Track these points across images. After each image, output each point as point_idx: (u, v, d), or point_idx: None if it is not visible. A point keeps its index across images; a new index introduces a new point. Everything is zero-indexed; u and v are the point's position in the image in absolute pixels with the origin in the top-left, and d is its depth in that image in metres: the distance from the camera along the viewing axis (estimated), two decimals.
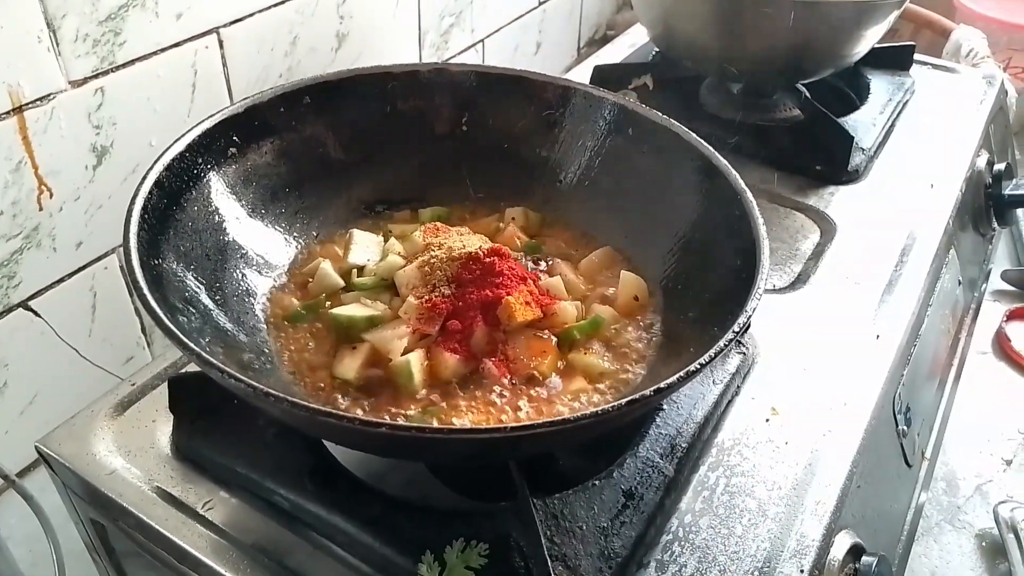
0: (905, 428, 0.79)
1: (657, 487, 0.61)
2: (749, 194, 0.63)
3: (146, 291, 0.49)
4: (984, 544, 0.96)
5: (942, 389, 0.99)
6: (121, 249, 0.88)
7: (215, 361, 0.45)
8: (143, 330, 0.97)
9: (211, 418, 0.63)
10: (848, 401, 0.71)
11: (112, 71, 0.82)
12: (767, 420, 0.69)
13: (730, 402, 0.70)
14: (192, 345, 0.46)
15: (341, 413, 0.45)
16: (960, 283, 1.02)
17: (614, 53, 1.28)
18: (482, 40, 1.39)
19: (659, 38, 1.12)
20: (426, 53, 1.26)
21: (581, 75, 1.17)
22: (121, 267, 0.91)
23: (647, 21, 1.11)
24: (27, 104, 0.76)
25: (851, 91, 1.20)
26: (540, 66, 1.57)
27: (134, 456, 0.63)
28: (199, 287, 0.59)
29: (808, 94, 1.08)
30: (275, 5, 0.96)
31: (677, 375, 0.47)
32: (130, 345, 0.97)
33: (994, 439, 1.08)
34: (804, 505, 0.62)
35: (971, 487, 1.00)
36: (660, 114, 0.72)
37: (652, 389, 0.46)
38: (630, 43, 1.31)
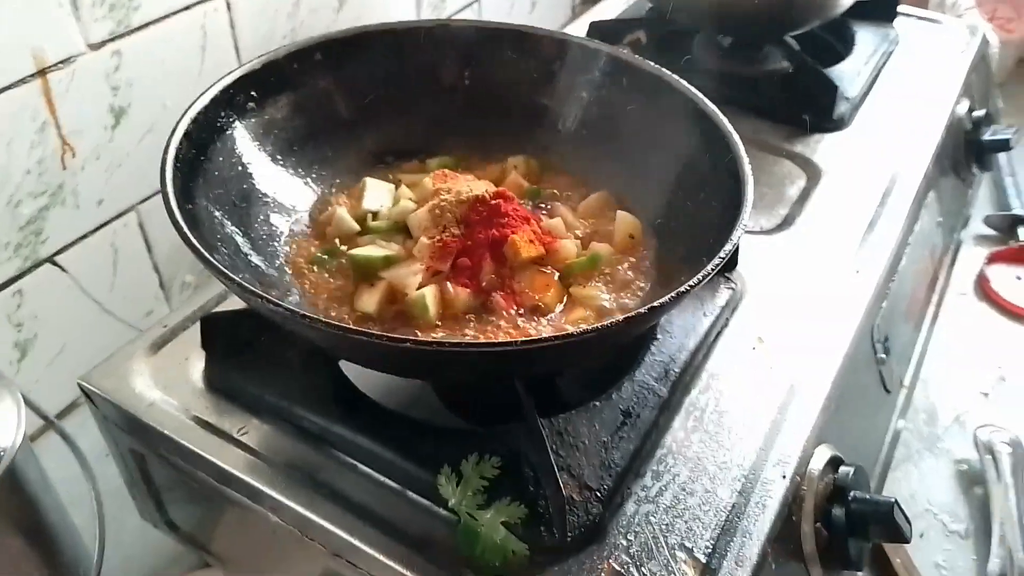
0: (884, 356, 0.84)
1: (652, 407, 0.66)
2: (735, 135, 0.67)
3: (186, 230, 0.54)
4: (962, 469, 1.01)
5: (921, 324, 1.05)
6: (140, 207, 0.94)
7: (256, 290, 0.50)
8: (161, 284, 1.02)
9: (240, 353, 0.68)
10: (829, 330, 0.77)
11: (128, 34, 0.85)
12: (753, 348, 0.75)
13: (719, 333, 0.75)
14: (233, 276, 0.51)
15: (372, 332, 0.50)
16: (939, 224, 1.07)
17: (609, 9, 1.32)
18: None
19: None
20: (424, 12, 1.29)
21: (576, 31, 1.21)
22: (140, 224, 0.95)
23: None
24: (50, 67, 0.79)
25: (837, 43, 1.24)
26: (536, 22, 1.59)
27: (171, 389, 0.69)
28: (230, 229, 0.64)
29: (796, 46, 1.12)
30: None
31: (669, 295, 0.52)
32: (149, 299, 1.01)
33: (974, 374, 1.14)
34: (787, 421, 0.68)
35: (950, 418, 1.05)
36: (652, 64, 0.76)
37: (647, 307, 0.51)
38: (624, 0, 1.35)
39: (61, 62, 0.80)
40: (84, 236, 0.89)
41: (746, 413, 0.68)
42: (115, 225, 0.92)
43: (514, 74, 0.81)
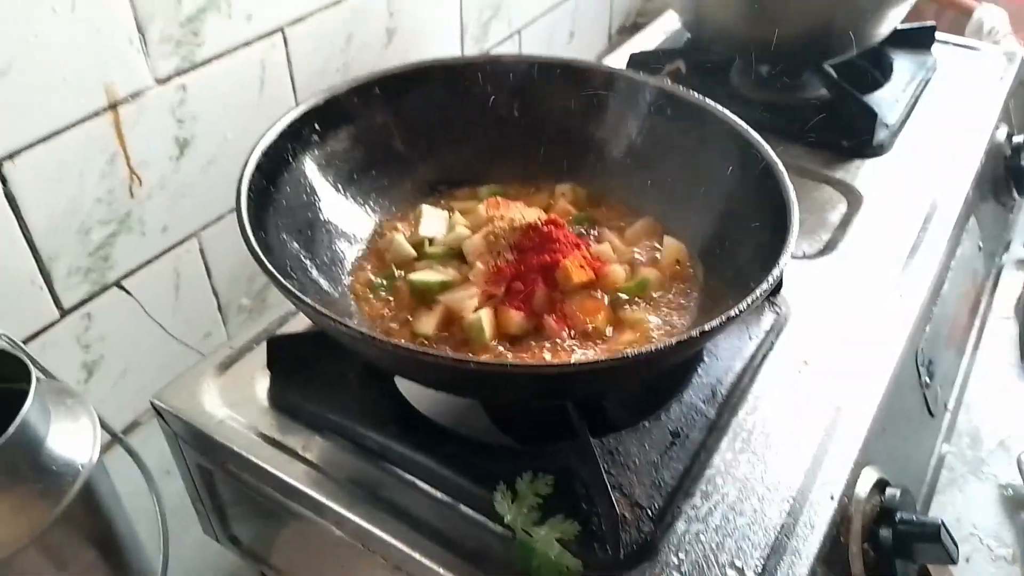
0: (928, 380, 0.85)
1: (700, 428, 0.68)
2: (779, 163, 0.69)
3: (263, 257, 0.57)
4: (1007, 494, 1.01)
5: (964, 348, 1.05)
6: (201, 233, 0.98)
7: (329, 314, 0.53)
8: (219, 307, 1.06)
9: (303, 373, 0.72)
10: (873, 354, 0.78)
11: (192, 69, 0.89)
12: (799, 371, 0.76)
13: (765, 356, 0.77)
14: (307, 300, 0.54)
15: (440, 352, 0.53)
16: (980, 249, 1.07)
17: (647, 40, 1.35)
18: (518, 31, 1.45)
19: (690, 23, 1.19)
20: (467, 44, 1.34)
21: (615, 61, 1.24)
22: (201, 250, 0.99)
23: (679, 7, 1.18)
24: (120, 101, 0.84)
25: (875, 70, 1.26)
26: (574, 53, 1.63)
27: (238, 407, 0.72)
28: (299, 255, 0.67)
29: (834, 74, 1.14)
30: (333, 4, 1.03)
31: (719, 319, 0.54)
32: (207, 321, 1.05)
33: (1017, 398, 1.13)
34: (833, 442, 0.69)
35: (994, 442, 1.05)
36: (696, 94, 0.79)
37: (699, 330, 0.54)
38: (662, 30, 1.37)
39: (131, 96, 0.85)
40: (149, 261, 0.94)
41: (793, 435, 0.70)
42: (178, 251, 0.97)
43: (562, 105, 0.85)
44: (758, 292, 0.56)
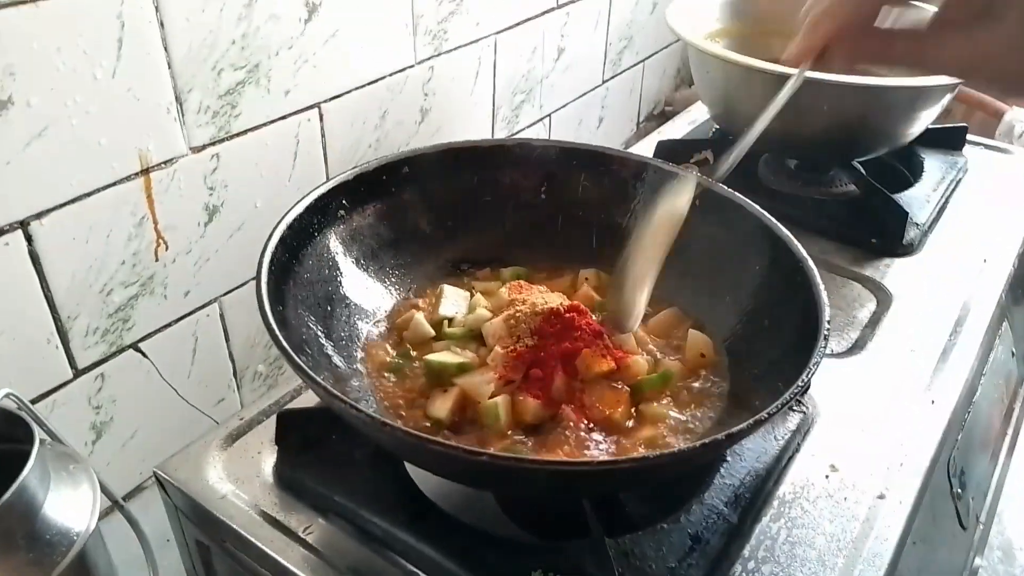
0: (960, 491, 0.81)
1: (722, 533, 0.65)
2: (810, 261, 0.68)
3: (278, 332, 0.56)
4: None
5: (996, 457, 1.01)
6: (223, 299, 0.98)
7: (339, 394, 0.52)
8: (234, 374, 1.05)
9: (312, 451, 0.70)
10: (904, 462, 0.75)
11: (227, 139, 0.91)
12: (826, 476, 0.73)
13: (791, 458, 0.74)
14: (318, 379, 0.53)
15: (449, 443, 0.51)
16: (1014, 354, 1.04)
17: (675, 129, 1.36)
18: (549, 115, 1.48)
19: (719, 116, 1.20)
20: (498, 126, 1.36)
21: (643, 149, 1.25)
22: (221, 315, 0.99)
23: (708, 100, 1.19)
24: (153, 167, 0.85)
25: (905, 169, 1.26)
26: (601, 139, 1.66)
27: (241, 483, 0.70)
28: (315, 330, 0.66)
29: (863, 171, 1.14)
30: (370, 83, 1.06)
31: (747, 422, 0.52)
32: (222, 388, 1.04)
33: None
34: (862, 557, 0.66)
35: None
36: (725, 187, 0.78)
37: (725, 433, 0.51)
38: (690, 120, 1.39)
39: (164, 162, 0.86)
40: (168, 324, 0.93)
41: (820, 545, 0.66)
42: (198, 315, 0.96)
43: (589, 191, 0.84)
44: (787, 396, 0.54)
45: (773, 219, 0.74)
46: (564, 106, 1.51)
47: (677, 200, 0.72)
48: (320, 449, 0.70)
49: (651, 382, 0.70)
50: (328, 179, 0.77)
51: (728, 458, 0.70)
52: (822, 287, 0.65)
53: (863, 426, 0.78)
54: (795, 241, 0.71)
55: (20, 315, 0.78)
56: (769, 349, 0.69)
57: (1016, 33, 0.47)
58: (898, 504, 0.71)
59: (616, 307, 0.73)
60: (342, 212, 0.76)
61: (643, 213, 0.80)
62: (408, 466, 0.68)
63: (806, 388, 0.74)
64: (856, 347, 0.89)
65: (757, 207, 0.76)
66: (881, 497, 0.71)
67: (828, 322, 0.62)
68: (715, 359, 0.75)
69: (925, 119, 1.08)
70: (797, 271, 0.68)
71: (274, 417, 0.72)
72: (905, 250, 1.05)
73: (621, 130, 1.75)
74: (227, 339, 1.01)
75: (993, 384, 0.95)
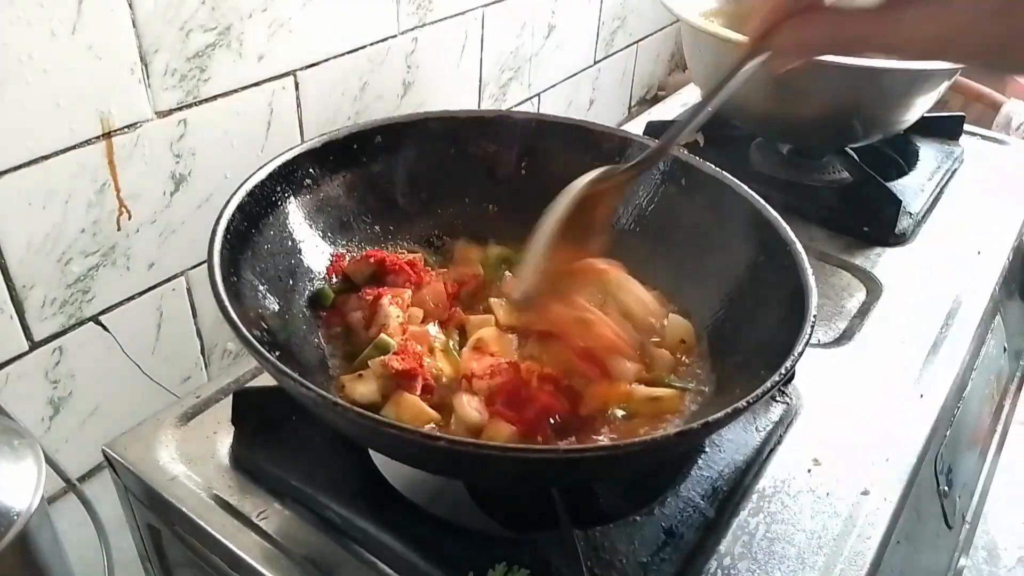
0: (947, 489, 0.79)
1: (697, 527, 0.62)
2: (799, 244, 0.65)
3: (227, 304, 0.52)
4: None
5: (984, 455, 0.99)
6: (189, 273, 0.94)
7: (287, 370, 0.48)
8: (202, 351, 1.01)
9: (270, 432, 0.66)
10: (890, 457, 0.72)
11: (195, 105, 0.87)
12: (808, 471, 0.70)
13: (772, 450, 0.71)
14: (267, 354, 0.49)
15: (403, 426, 0.47)
16: (1005, 350, 1.02)
17: (666, 111, 1.32)
18: (538, 94, 1.44)
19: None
20: (485, 104, 1.32)
21: (633, 129, 1.21)
22: (188, 289, 0.95)
23: (700, 80, 1.15)
24: (116, 131, 0.81)
25: (900, 157, 1.23)
26: (592, 120, 1.62)
27: (195, 464, 0.66)
28: (272, 304, 0.63)
29: (857, 158, 1.11)
30: (349, 52, 1.01)
31: (724, 411, 0.49)
32: (189, 365, 1.00)
33: None
34: (843, 556, 0.63)
35: (1013, 558, 0.98)
36: (713, 166, 0.75)
37: (700, 423, 0.48)
38: (681, 102, 1.35)
39: (127, 127, 0.82)
40: (131, 297, 0.90)
41: (799, 542, 0.63)
42: (163, 289, 0.92)
43: (571, 168, 0.80)
44: (768, 384, 0.51)
45: (761, 200, 0.71)
46: (554, 86, 1.47)
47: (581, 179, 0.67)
48: (279, 430, 0.66)
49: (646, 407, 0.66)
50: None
51: (707, 449, 0.67)
52: (810, 270, 0.62)
53: (848, 419, 0.76)
54: (783, 222, 0.68)
55: None
56: (753, 335, 0.66)
57: (968, 8, 0.43)
58: (883, 501, 0.68)
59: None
60: (308, 181, 0.72)
61: (657, 220, 0.77)
62: (372, 452, 0.65)
63: (790, 376, 0.71)
64: (844, 337, 0.86)
65: (745, 187, 0.72)
66: (865, 493, 0.69)
67: (815, 307, 0.58)
68: (696, 345, 0.71)
69: (921, 106, 1.05)
70: (784, 254, 0.65)
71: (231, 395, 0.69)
72: (897, 239, 1.02)
73: (613, 113, 1.71)
74: (194, 315, 0.98)
75: (984, 379, 0.93)
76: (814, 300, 0.59)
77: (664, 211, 0.78)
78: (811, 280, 0.61)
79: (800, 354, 0.55)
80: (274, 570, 0.59)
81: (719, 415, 0.48)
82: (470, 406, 0.62)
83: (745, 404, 0.49)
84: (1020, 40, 0.43)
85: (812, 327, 0.57)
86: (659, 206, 0.78)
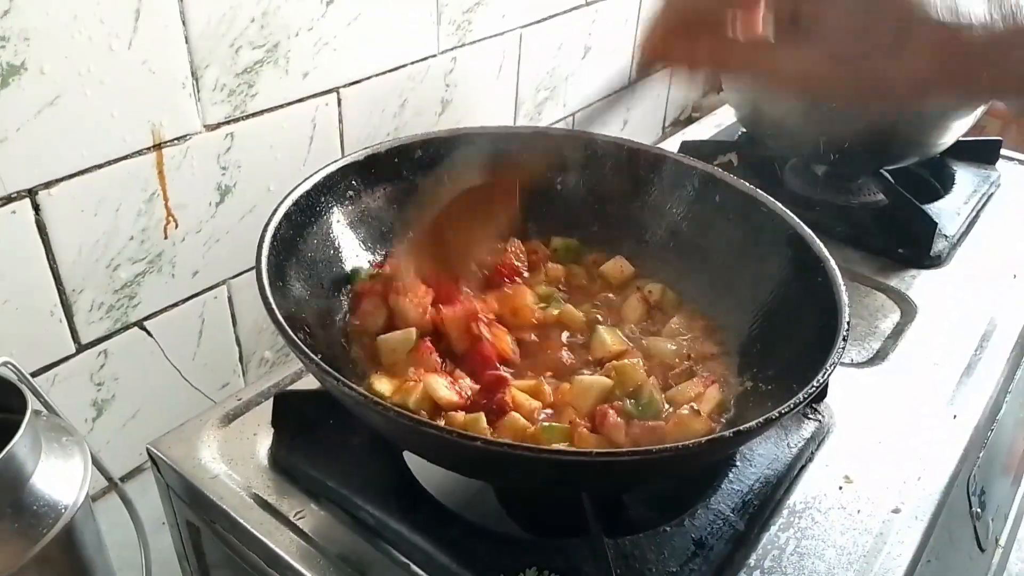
0: (979, 511, 0.78)
1: (727, 540, 0.62)
2: (832, 262, 0.66)
3: (274, 305, 0.54)
4: None
5: (1020, 479, 0.97)
6: (231, 281, 0.97)
7: (330, 369, 0.50)
8: (240, 358, 1.03)
9: (308, 434, 0.68)
10: (922, 476, 0.72)
11: (243, 119, 0.89)
12: (840, 488, 0.70)
13: (803, 467, 0.71)
14: (311, 355, 0.51)
15: (442, 426, 0.49)
16: None
17: (700, 131, 1.33)
18: (572, 114, 1.46)
19: (746, 119, 1.17)
20: (520, 122, 1.34)
21: (668, 148, 1.22)
22: (229, 297, 0.98)
23: (735, 102, 1.16)
24: (166, 142, 0.83)
25: (935, 180, 1.22)
26: None
27: (235, 464, 0.68)
28: (316, 309, 0.65)
29: (892, 180, 1.11)
30: (390, 70, 1.04)
31: (756, 421, 0.50)
32: (227, 372, 1.02)
33: None
34: (873, 572, 0.63)
35: None
36: (747, 183, 0.75)
37: (731, 431, 0.49)
38: (716, 123, 1.36)
39: (177, 139, 0.84)
40: (175, 304, 0.92)
41: (829, 557, 0.63)
42: (206, 296, 0.95)
43: (607, 183, 0.82)
44: (800, 396, 0.51)
45: (795, 217, 0.71)
46: (589, 105, 1.49)
47: None
48: (317, 433, 0.68)
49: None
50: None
51: (737, 463, 0.67)
52: (843, 287, 0.62)
53: (880, 438, 0.75)
54: (817, 241, 0.68)
55: (25, 285, 0.77)
56: (786, 350, 0.66)
57: (829, 47, 0.44)
58: (914, 520, 0.68)
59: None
60: (351, 192, 0.74)
61: (660, 206, 0.77)
62: (406, 455, 0.66)
63: (821, 392, 0.72)
64: (877, 357, 0.86)
65: (779, 204, 0.73)
66: (896, 511, 0.68)
67: (848, 322, 0.59)
68: (729, 358, 0.72)
69: (956, 129, 1.05)
70: (818, 270, 0.65)
71: (272, 399, 0.71)
72: (932, 262, 1.02)
73: (647, 134, 1.72)
74: (234, 323, 1.00)
75: (1019, 403, 0.92)
76: (846, 315, 0.60)
77: (698, 227, 0.79)
78: (844, 296, 0.61)
79: (832, 368, 0.55)
80: (309, 568, 0.60)
81: (751, 424, 0.49)
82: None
83: (777, 415, 0.50)
84: (881, 82, 0.44)
85: (845, 341, 0.58)
86: (693, 223, 0.79)
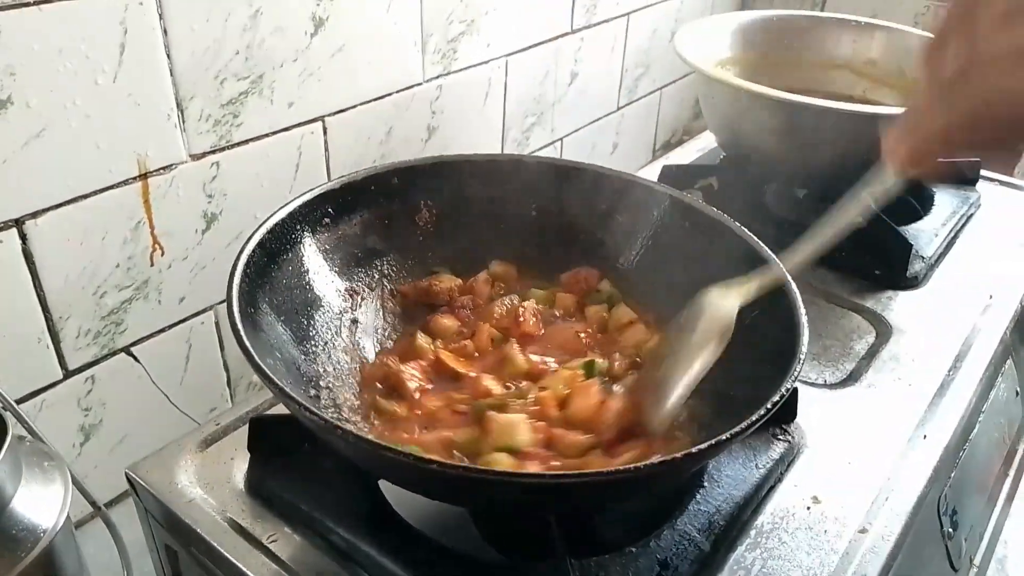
0: (951, 531, 0.79)
1: (692, 560, 0.63)
2: (792, 282, 0.67)
3: (243, 334, 0.56)
4: None
5: (995, 500, 0.98)
6: (218, 307, 0.98)
7: (293, 395, 0.52)
8: (228, 383, 1.04)
9: (283, 459, 0.69)
10: (891, 496, 0.73)
11: (228, 148, 0.91)
12: (808, 508, 0.71)
13: (772, 487, 0.72)
14: (277, 381, 0.53)
15: (401, 450, 0.50)
16: (1018, 394, 1.01)
17: (683, 155, 1.35)
18: (561, 139, 1.47)
19: (726, 142, 1.19)
20: (508, 148, 1.35)
21: (650, 174, 1.24)
22: (216, 323, 0.99)
23: (714, 126, 1.18)
24: (152, 172, 0.85)
25: (915, 201, 1.23)
26: (616, 165, 1.64)
27: (211, 488, 0.69)
28: (287, 337, 0.66)
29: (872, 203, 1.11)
30: (376, 99, 1.05)
31: (709, 443, 0.51)
32: (215, 397, 1.03)
33: None
34: None
35: None
36: (714, 209, 0.77)
37: (682, 453, 0.50)
38: (699, 147, 1.38)
39: (163, 168, 0.86)
40: (162, 330, 0.93)
41: None
42: (193, 322, 0.96)
43: (581, 210, 0.84)
44: (754, 417, 0.52)
45: (758, 240, 0.73)
46: (577, 130, 1.50)
47: (724, 303, 0.66)
48: (292, 458, 0.69)
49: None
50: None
51: (705, 484, 0.68)
52: (802, 309, 0.64)
53: (850, 459, 0.76)
54: (778, 262, 0.69)
55: (11, 312, 0.79)
56: (755, 372, 0.67)
57: None
58: (880, 539, 0.68)
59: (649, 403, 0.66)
60: (327, 220, 0.76)
61: (632, 231, 0.79)
62: (381, 481, 0.68)
63: (787, 413, 0.73)
64: (850, 379, 0.87)
65: (743, 228, 0.75)
66: (863, 531, 0.69)
67: (806, 343, 0.60)
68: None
69: None
70: (780, 292, 0.66)
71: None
72: (909, 283, 1.03)
73: (636, 157, 1.74)
74: (222, 348, 1.01)
75: (994, 423, 0.93)
76: (805, 338, 0.61)
77: (667, 251, 0.80)
78: (803, 318, 0.63)
79: (787, 391, 0.56)
80: None
81: (703, 446, 0.50)
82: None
83: (728, 437, 0.51)
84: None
85: (800, 364, 0.59)
86: (662, 247, 0.81)
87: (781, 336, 0.63)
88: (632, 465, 0.49)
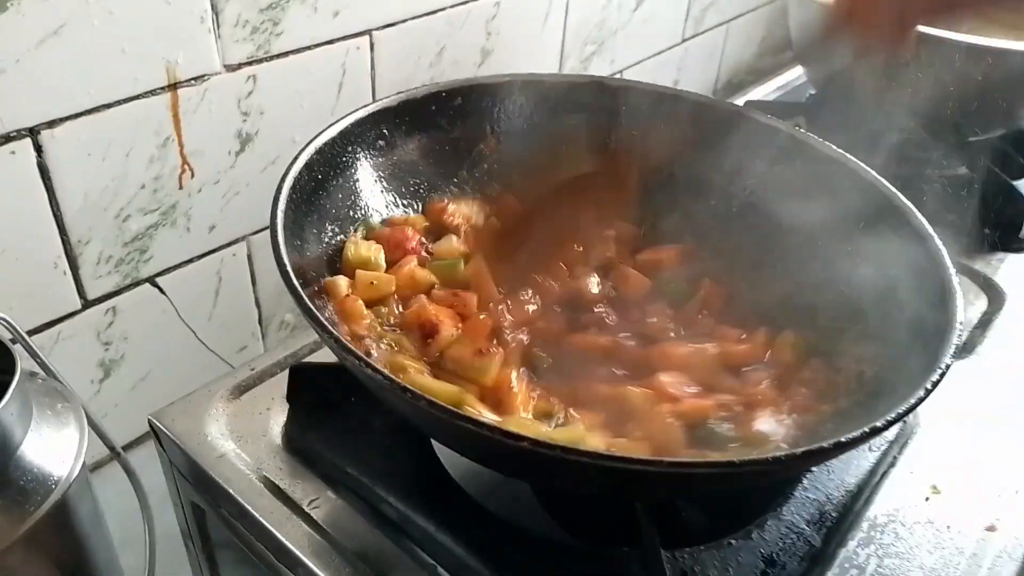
0: None
1: (801, 557, 0.54)
2: (937, 240, 0.57)
3: (289, 268, 0.47)
4: None
5: None
6: (252, 238, 0.90)
7: (352, 347, 0.43)
8: (259, 320, 0.98)
9: (326, 413, 0.61)
10: (1020, 489, 0.63)
11: (266, 60, 0.83)
12: (927, 499, 0.62)
13: (885, 473, 0.63)
14: (329, 327, 0.44)
15: (483, 421, 0.41)
16: None
17: (762, 92, 1.23)
18: (621, 71, 1.37)
19: (818, 79, 1.07)
20: None
21: None
22: (249, 255, 0.91)
23: (810, 61, 1.06)
24: (182, 82, 0.77)
25: (1021, 156, 1.11)
26: None
27: (245, 442, 0.62)
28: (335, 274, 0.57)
29: (980, 153, 1.00)
30: (428, 13, 0.96)
31: (860, 431, 0.41)
32: (245, 335, 0.97)
33: None
34: None
35: None
36: (834, 147, 0.66)
37: (832, 441, 0.40)
38: (779, 84, 1.26)
39: (194, 79, 0.78)
40: (190, 260, 0.86)
41: None
42: (223, 253, 0.89)
43: (669, 142, 0.73)
44: (913, 400, 0.43)
45: (891, 187, 0.62)
46: (638, 63, 1.40)
47: None
48: (337, 412, 0.62)
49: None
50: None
51: (813, 468, 0.59)
52: (955, 279, 0.54)
53: (970, 442, 0.67)
54: (918, 214, 0.60)
55: (25, 233, 0.72)
56: (879, 347, 0.57)
57: None
58: (1012, 539, 0.59)
59: None
60: (382, 142, 0.67)
61: (730, 169, 0.68)
62: (435, 442, 0.59)
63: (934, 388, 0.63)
64: (964, 350, 0.78)
65: (872, 172, 0.64)
66: (991, 529, 0.60)
67: (959, 323, 0.50)
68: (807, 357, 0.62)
69: None
70: (920, 251, 0.57)
71: (287, 371, 0.64)
72: (1021, 245, 0.92)
73: None
74: (254, 282, 0.94)
75: None
76: (960, 303, 0.51)
77: (775, 198, 0.70)
78: (956, 288, 0.52)
79: (947, 365, 0.47)
80: (322, 564, 0.53)
81: (854, 434, 0.41)
82: None
83: (883, 423, 0.41)
84: None
85: (954, 344, 0.49)
86: (768, 192, 0.70)
87: (919, 308, 0.54)
88: (770, 455, 0.39)
